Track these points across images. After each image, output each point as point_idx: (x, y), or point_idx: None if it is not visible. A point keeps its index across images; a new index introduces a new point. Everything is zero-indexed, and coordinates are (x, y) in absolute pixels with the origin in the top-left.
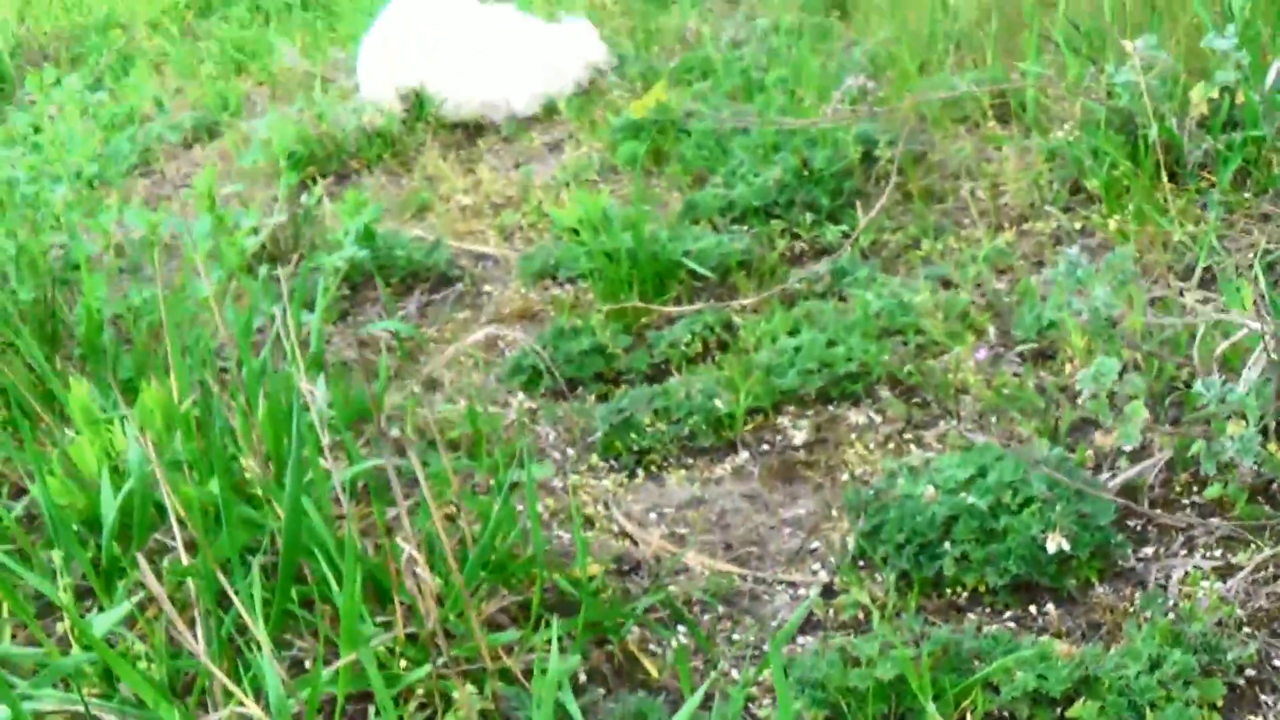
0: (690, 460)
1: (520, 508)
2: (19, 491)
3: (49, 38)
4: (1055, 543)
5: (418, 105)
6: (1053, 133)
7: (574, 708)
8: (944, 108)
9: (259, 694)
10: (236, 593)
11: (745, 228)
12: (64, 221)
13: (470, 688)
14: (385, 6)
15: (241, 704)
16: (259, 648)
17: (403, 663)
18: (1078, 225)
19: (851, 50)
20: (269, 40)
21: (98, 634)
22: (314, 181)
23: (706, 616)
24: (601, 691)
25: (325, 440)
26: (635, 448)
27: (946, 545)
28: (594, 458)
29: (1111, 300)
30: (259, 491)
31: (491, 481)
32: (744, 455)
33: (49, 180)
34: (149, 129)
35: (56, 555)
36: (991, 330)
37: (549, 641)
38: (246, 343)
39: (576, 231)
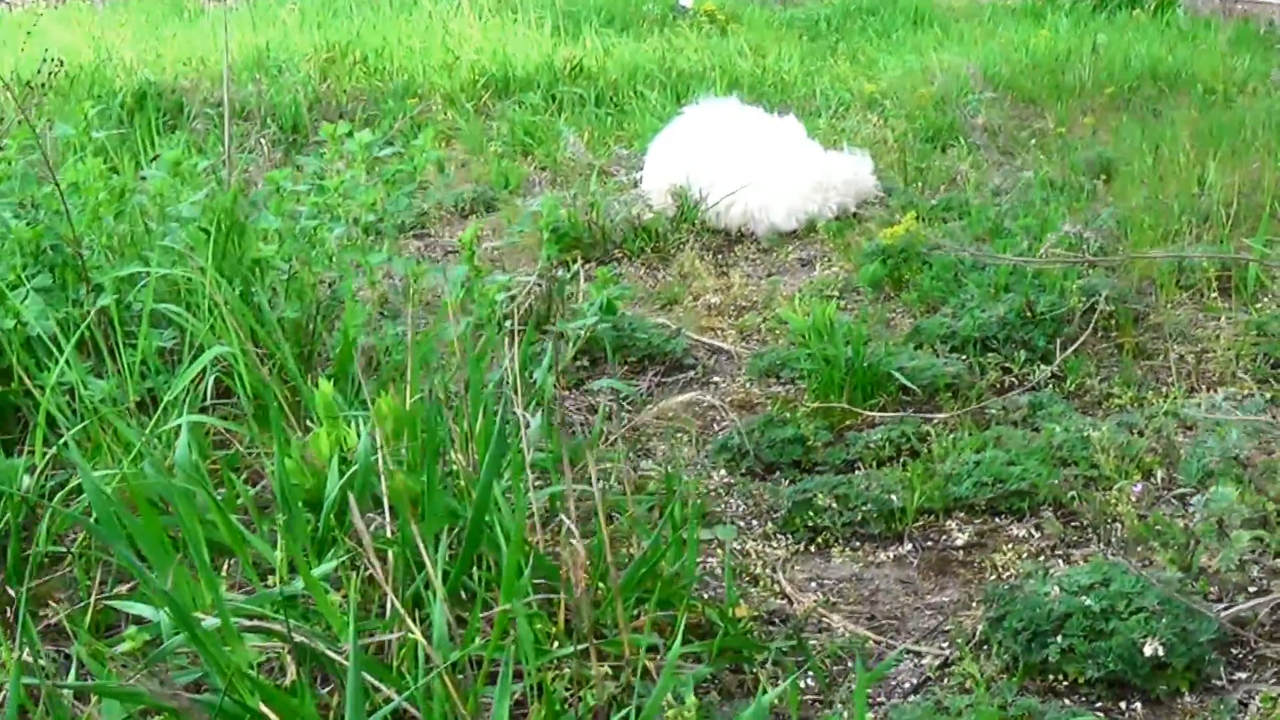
0: (858, 544)
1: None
2: (256, 478)
3: (347, 97)
4: (1152, 647)
5: (684, 206)
6: (1264, 308)
7: (690, 695)
8: (1172, 273)
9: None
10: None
11: (961, 356)
12: (335, 261)
13: (605, 668)
14: (677, 112)
15: (412, 631)
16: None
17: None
18: (1269, 395)
19: (1101, 211)
20: (558, 128)
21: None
22: (574, 261)
23: (837, 668)
24: (719, 700)
25: (529, 457)
26: (811, 524)
27: (1058, 637)
28: (772, 528)
29: (1242, 442)
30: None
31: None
32: (908, 546)
33: (329, 220)
34: (429, 193)
35: (280, 519)
36: (1159, 474)
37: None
38: (479, 371)
39: (805, 336)
